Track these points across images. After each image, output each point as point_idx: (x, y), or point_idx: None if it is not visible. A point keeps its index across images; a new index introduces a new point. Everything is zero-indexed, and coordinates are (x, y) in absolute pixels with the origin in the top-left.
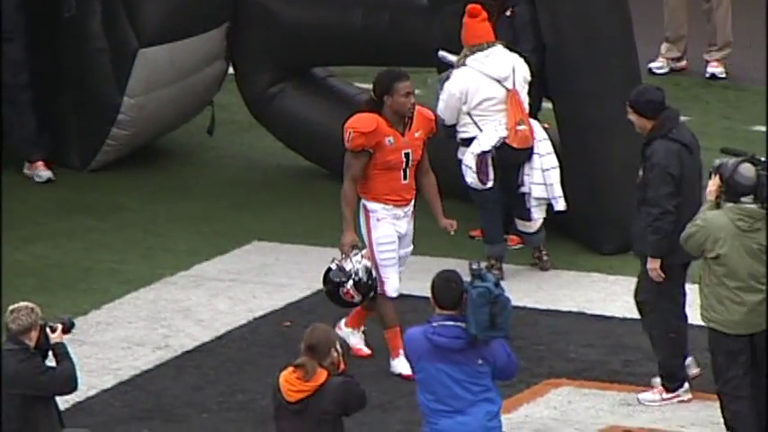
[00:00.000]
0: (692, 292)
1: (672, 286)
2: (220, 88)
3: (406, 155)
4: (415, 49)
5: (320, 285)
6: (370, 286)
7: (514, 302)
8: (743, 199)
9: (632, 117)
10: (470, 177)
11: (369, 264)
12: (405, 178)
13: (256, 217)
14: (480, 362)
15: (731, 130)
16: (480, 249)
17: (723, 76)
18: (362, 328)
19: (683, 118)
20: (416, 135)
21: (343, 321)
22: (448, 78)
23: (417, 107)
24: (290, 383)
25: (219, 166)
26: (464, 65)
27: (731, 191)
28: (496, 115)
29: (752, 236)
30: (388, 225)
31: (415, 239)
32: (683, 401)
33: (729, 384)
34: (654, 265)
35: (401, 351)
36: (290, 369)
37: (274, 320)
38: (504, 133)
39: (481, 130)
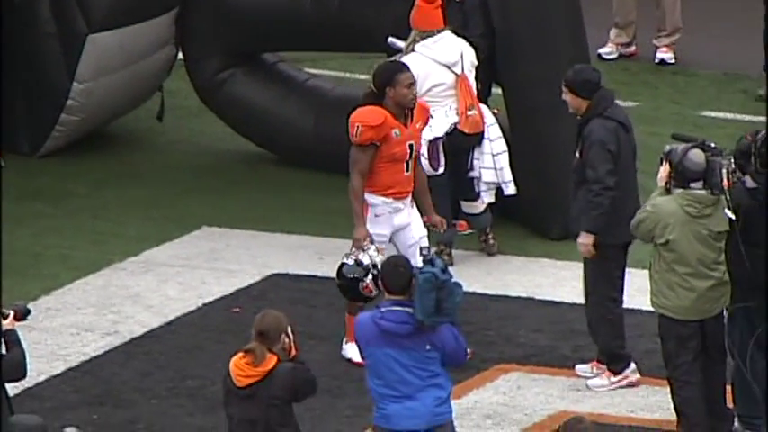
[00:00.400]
0: (640, 277)
1: (611, 268)
2: (170, 74)
3: (410, 146)
4: (365, 35)
5: (270, 270)
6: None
7: (464, 288)
8: (692, 185)
9: (567, 97)
10: (424, 164)
11: (383, 257)
12: (407, 170)
13: (206, 202)
14: (428, 347)
15: (680, 116)
16: (431, 235)
17: (672, 61)
18: None
19: (633, 103)
20: (417, 126)
21: (344, 340)
22: None
23: None
24: (240, 369)
25: (169, 152)
26: (413, 51)
27: (680, 177)
28: (446, 101)
29: (701, 222)
30: (384, 223)
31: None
32: (632, 383)
33: (679, 370)
34: (587, 240)
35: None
36: (240, 354)
37: (224, 306)
38: (455, 119)
39: (432, 117)
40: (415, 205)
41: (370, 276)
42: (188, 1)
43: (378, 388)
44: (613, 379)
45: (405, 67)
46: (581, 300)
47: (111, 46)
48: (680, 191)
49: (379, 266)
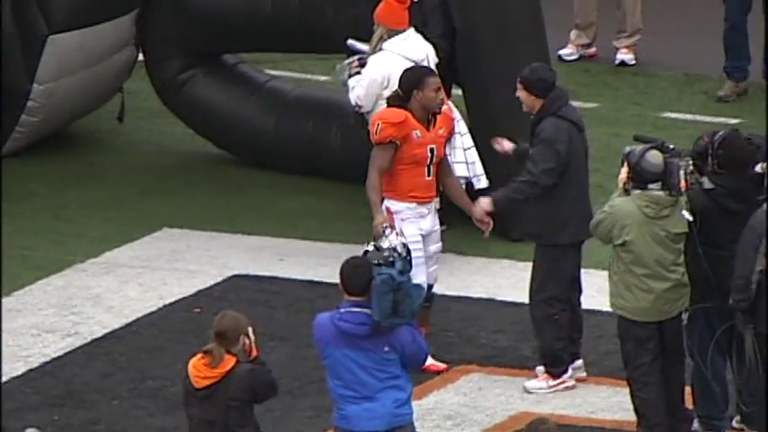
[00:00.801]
0: (600, 278)
1: (562, 268)
2: (130, 75)
3: (431, 150)
4: (325, 37)
5: (231, 271)
6: (409, 262)
7: None
8: (650, 186)
9: (521, 94)
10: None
11: (404, 240)
12: (429, 174)
13: (167, 203)
14: (387, 349)
15: (641, 117)
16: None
17: (633, 62)
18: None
19: (593, 105)
20: (440, 132)
21: None
22: (361, 66)
23: None
24: (198, 370)
25: (130, 153)
26: (381, 49)
27: (638, 178)
28: None
29: (659, 223)
30: (412, 225)
31: (327, 226)
32: (568, 387)
33: (638, 371)
34: (486, 207)
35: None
36: (199, 355)
37: (185, 307)
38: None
39: None
40: (436, 216)
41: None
42: (149, 2)
43: (337, 389)
44: (552, 383)
45: (433, 72)
46: None
47: (71, 47)
48: (638, 192)
49: (399, 249)
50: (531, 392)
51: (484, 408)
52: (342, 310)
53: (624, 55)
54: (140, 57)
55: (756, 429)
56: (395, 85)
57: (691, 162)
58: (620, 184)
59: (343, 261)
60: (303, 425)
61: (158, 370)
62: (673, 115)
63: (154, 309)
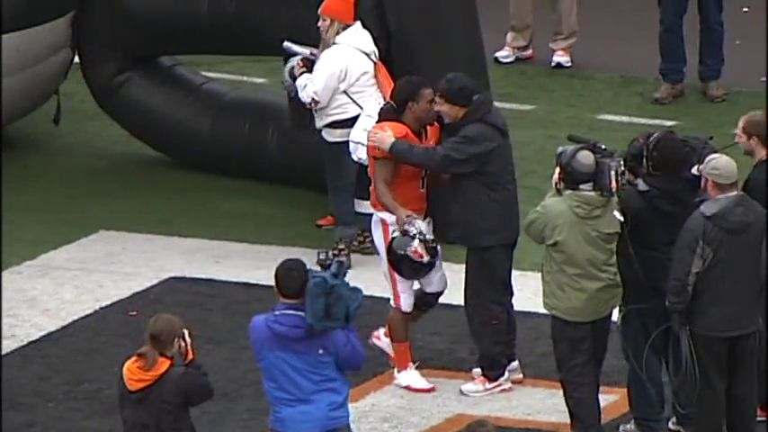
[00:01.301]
0: (536, 279)
1: (496, 270)
2: (66, 77)
3: None
4: (262, 39)
5: (167, 274)
6: (434, 244)
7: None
8: (582, 186)
9: (443, 108)
10: (363, 153)
11: (428, 226)
12: (422, 186)
13: (103, 206)
14: (321, 351)
15: (577, 119)
16: (327, 238)
17: (569, 64)
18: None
19: (529, 107)
20: (430, 144)
21: (381, 331)
22: (306, 66)
23: None
24: (132, 372)
25: (66, 155)
26: (335, 43)
27: (569, 178)
28: (370, 89)
29: (590, 223)
30: None
31: (263, 228)
32: (505, 390)
33: (572, 372)
34: (387, 139)
35: (410, 364)
36: (134, 358)
37: (121, 309)
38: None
39: (361, 108)
40: (430, 226)
41: (416, 241)
42: (84, 4)
43: (272, 391)
44: (488, 386)
45: (426, 83)
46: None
47: (7, 49)
48: (569, 192)
49: (425, 231)
50: (468, 395)
51: (420, 410)
52: (276, 312)
53: (560, 57)
54: (76, 59)
55: (692, 431)
56: (352, 78)
57: (622, 163)
58: (553, 185)
59: (278, 264)
60: (239, 427)
61: (94, 372)
62: (609, 117)
63: (90, 311)
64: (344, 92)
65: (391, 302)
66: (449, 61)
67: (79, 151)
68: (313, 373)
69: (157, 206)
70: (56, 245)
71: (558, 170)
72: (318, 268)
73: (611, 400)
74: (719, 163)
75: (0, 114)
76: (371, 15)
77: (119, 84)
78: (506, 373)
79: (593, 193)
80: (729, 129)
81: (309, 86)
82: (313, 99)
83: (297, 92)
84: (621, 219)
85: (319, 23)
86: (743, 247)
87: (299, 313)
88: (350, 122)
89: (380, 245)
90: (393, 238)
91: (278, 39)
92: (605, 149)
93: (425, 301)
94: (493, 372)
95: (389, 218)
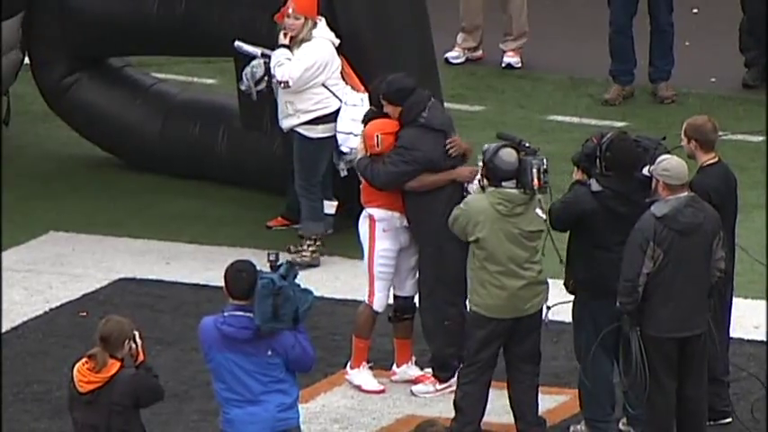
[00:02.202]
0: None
1: (450, 272)
2: (16, 78)
3: None
4: (211, 40)
5: (116, 275)
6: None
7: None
8: (504, 184)
9: (389, 109)
10: (354, 143)
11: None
12: None
13: (52, 207)
14: (270, 353)
15: (527, 120)
16: (277, 239)
17: (519, 65)
18: (414, 359)
19: (479, 107)
20: None
21: (394, 366)
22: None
23: None
24: (82, 374)
25: (15, 156)
26: (313, 37)
27: (491, 175)
28: (341, 82)
29: (512, 220)
30: (392, 239)
31: (214, 230)
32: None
33: (473, 366)
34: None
35: (364, 363)
36: (83, 360)
37: (70, 311)
38: (363, 95)
39: (341, 99)
40: None
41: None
42: (33, 5)
43: (222, 392)
44: (439, 387)
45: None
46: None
47: None
48: (491, 189)
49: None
50: (419, 396)
51: (371, 411)
52: (225, 313)
53: (510, 58)
54: (26, 60)
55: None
56: (331, 70)
57: (545, 161)
58: (476, 182)
59: (228, 265)
60: (189, 429)
61: (44, 374)
62: (558, 118)
63: (39, 312)
64: (323, 85)
65: (365, 299)
66: (399, 63)
67: (29, 152)
68: (262, 375)
69: (107, 207)
70: (4, 246)
71: (481, 167)
72: (268, 269)
73: (561, 400)
74: (670, 164)
75: None
76: (322, 17)
77: (68, 85)
78: (456, 375)
79: (515, 191)
80: (678, 130)
81: (286, 68)
82: (285, 82)
83: (255, 94)
84: (544, 216)
85: (290, 23)
86: (693, 247)
87: (248, 314)
88: (332, 117)
89: (365, 240)
90: (269, 255)
91: (228, 40)
92: (529, 147)
93: (403, 307)
94: (443, 373)
95: (378, 213)
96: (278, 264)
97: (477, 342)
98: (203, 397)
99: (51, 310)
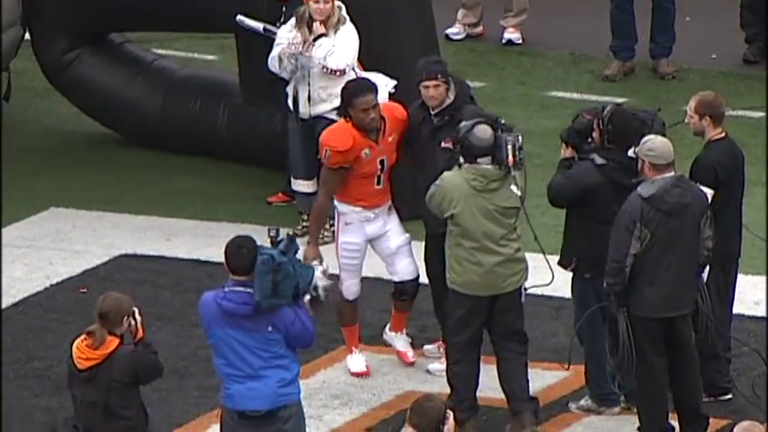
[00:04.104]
0: None
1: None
2: (17, 54)
3: (381, 162)
4: (211, 15)
5: (117, 251)
6: (322, 302)
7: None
8: (479, 160)
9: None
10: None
11: (326, 283)
12: (378, 183)
13: (53, 183)
14: (270, 329)
15: (527, 96)
16: (278, 215)
17: (519, 42)
18: (405, 331)
19: (479, 84)
20: (390, 140)
21: (387, 327)
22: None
23: (388, 108)
24: (81, 351)
25: (16, 133)
26: (345, 18)
27: (465, 151)
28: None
29: (486, 196)
30: (355, 232)
31: (214, 206)
32: None
33: (455, 347)
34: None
35: (353, 349)
36: (83, 336)
37: (71, 287)
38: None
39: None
40: (394, 212)
41: (307, 297)
42: None
43: (222, 368)
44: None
45: (363, 91)
46: (427, 280)
47: None
48: (466, 165)
49: (320, 291)
50: (435, 374)
51: (371, 387)
52: (226, 289)
53: (511, 34)
54: (27, 36)
55: (635, 404)
56: (358, 52)
57: (521, 138)
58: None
59: (228, 241)
60: (190, 405)
61: (44, 350)
62: (559, 94)
63: (40, 289)
64: (353, 68)
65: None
66: (400, 39)
67: (29, 129)
68: (262, 350)
69: (108, 183)
70: (5, 222)
71: (457, 144)
72: (269, 245)
73: (561, 376)
74: (655, 144)
75: None
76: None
77: (69, 61)
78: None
79: (490, 167)
80: (679, 106)
81: (339, 56)
82: (342, 70)
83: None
84: (519, 193)
85: (319, 8)
86: (680, 228)
87: (248, 290)
88: None
89: (337, 230)
90: (269, 230)
91: (228, 15)
92: (504, 124)
93: (399, 289)
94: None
95: (340, 207)
96: (278, 239)
97: (457, 321)
98: (203, 373)
99: (52, 286)
